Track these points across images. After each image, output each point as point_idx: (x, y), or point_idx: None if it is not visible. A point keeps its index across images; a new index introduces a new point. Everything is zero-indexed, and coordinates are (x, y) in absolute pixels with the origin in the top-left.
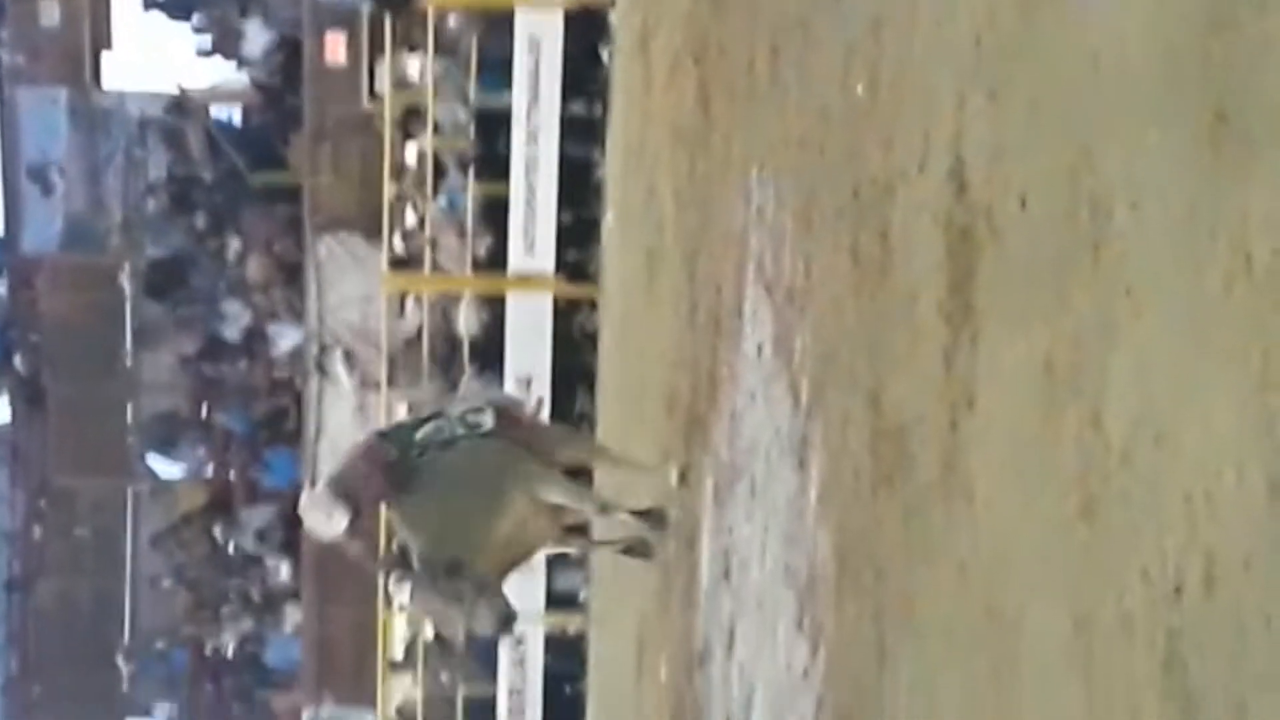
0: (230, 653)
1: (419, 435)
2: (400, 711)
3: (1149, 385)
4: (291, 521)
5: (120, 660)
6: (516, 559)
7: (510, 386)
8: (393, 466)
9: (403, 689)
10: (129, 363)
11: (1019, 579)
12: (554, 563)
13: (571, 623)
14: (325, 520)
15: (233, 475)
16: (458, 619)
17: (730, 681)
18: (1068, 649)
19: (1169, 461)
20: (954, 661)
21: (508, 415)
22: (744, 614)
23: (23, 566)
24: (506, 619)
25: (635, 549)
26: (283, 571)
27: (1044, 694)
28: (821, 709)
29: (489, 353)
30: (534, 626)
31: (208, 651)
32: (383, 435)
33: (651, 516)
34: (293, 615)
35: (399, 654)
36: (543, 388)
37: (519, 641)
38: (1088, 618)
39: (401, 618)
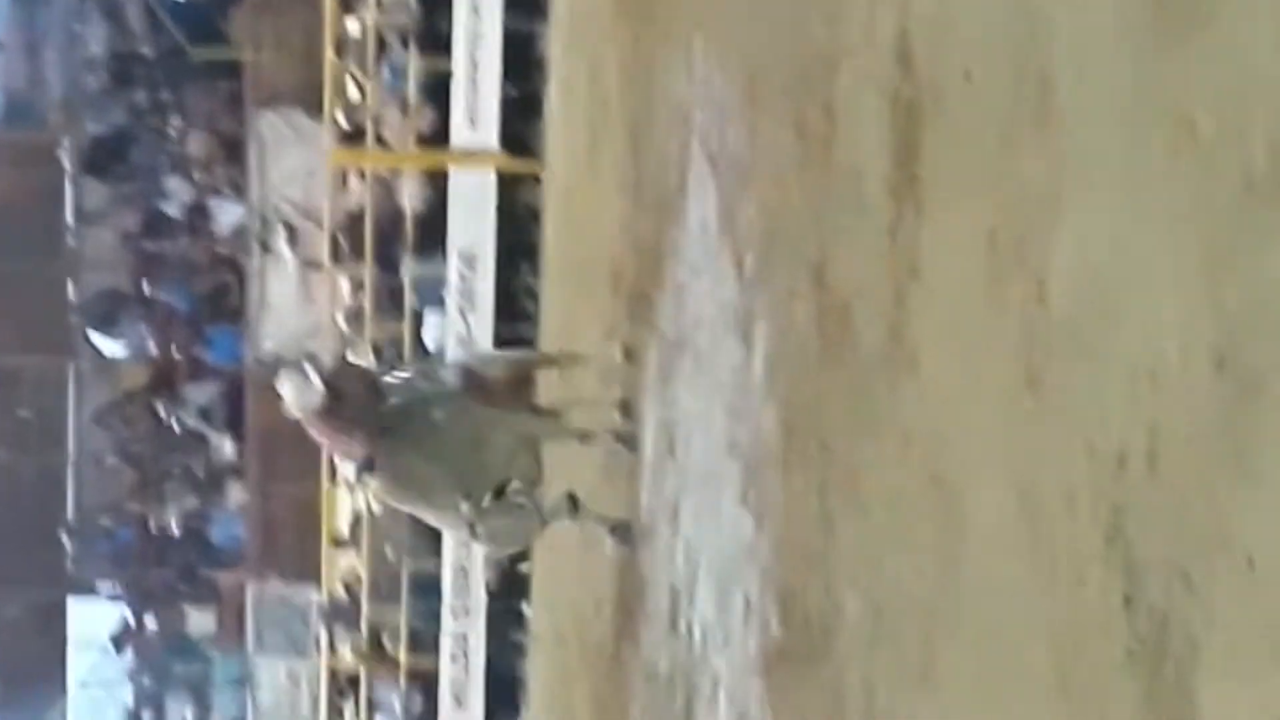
0: (175, 530)
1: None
2: (346, 587)
3: (1093, 258)
4: (235, 398)
5: (64, 537)
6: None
7: (454, 262)
8: (378, 391)
9: (347, 565)
10: (70, 240)
11: (964, 451)
12: None
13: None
14: (301, 389)
15: (175, 352)
16: (533, 525)
17: (675, 556)
18: (1012, 521)
19: (1113, 335)
20: (899, 533)
21: (473, 376)
22: (689, 489)
23: None
24: (569, 498)
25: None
26: (226, 448)
27: (988, 565)
28: (767, 581)
29: (432, 228)
30: None
31: (152, 529)
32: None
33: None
34: (237, 492)
35: (344, 530)
36: (486, 263)
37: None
38: (1031, 490)
39: (345, 494)
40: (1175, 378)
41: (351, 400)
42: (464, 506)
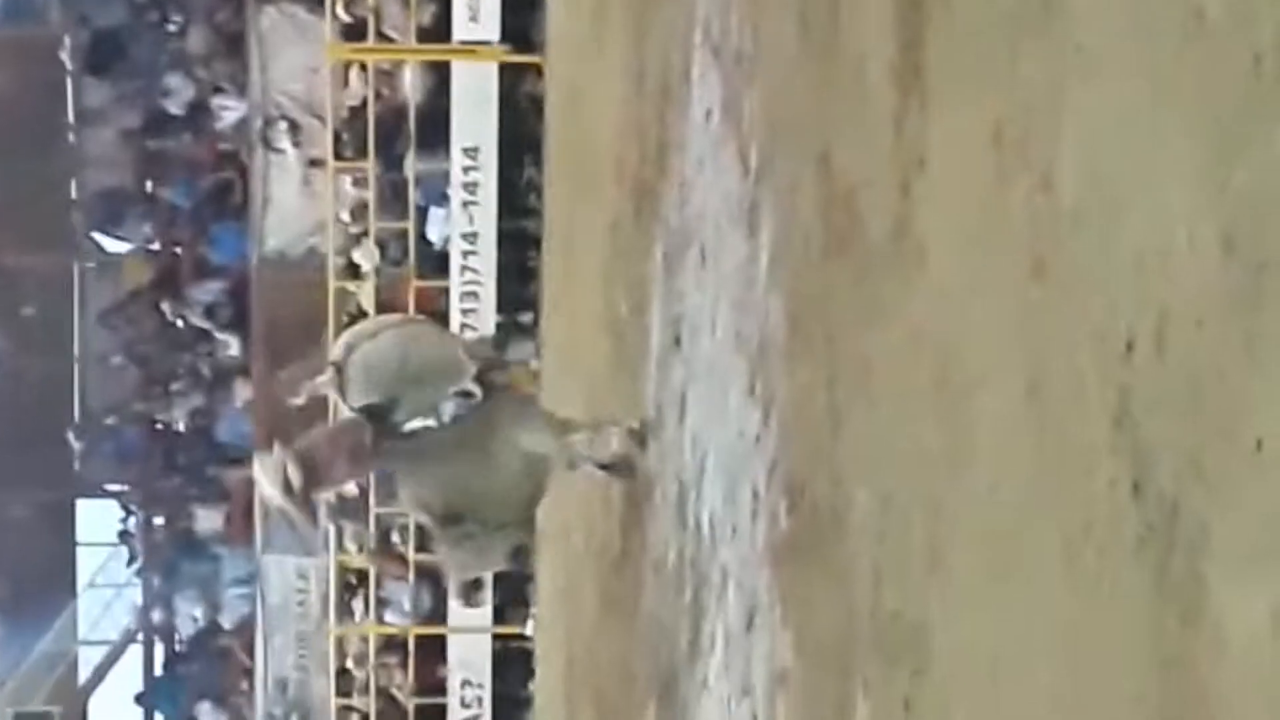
0: (181, 429)
1: (408, 426)
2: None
3: (1100, 146)
4: (240, 296)
5: (71, 438)
6: (532, 495)
7: (457, 157)
8: (370, 447)
9: None
10: (71, 138)
11: (971, 342)
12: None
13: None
14: (270, 483)
15: (179, 250)
16: (471, 561)
17: (683, 450)
18: (1020, 409)
19: (1121, 222)
20: (906, 425)
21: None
22: (695, 382)
23: None
24: (517, 550)
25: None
26: (232, 347)
27: (996, 454)
28: (774, 474)
29: (435, 123)
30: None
31: (159, 428)
32: (367, 415)
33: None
34: (243, 390)
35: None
36: (489, 158)
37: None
38: (1039, 378)
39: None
40: (1183, 262)
41: (329, 484)
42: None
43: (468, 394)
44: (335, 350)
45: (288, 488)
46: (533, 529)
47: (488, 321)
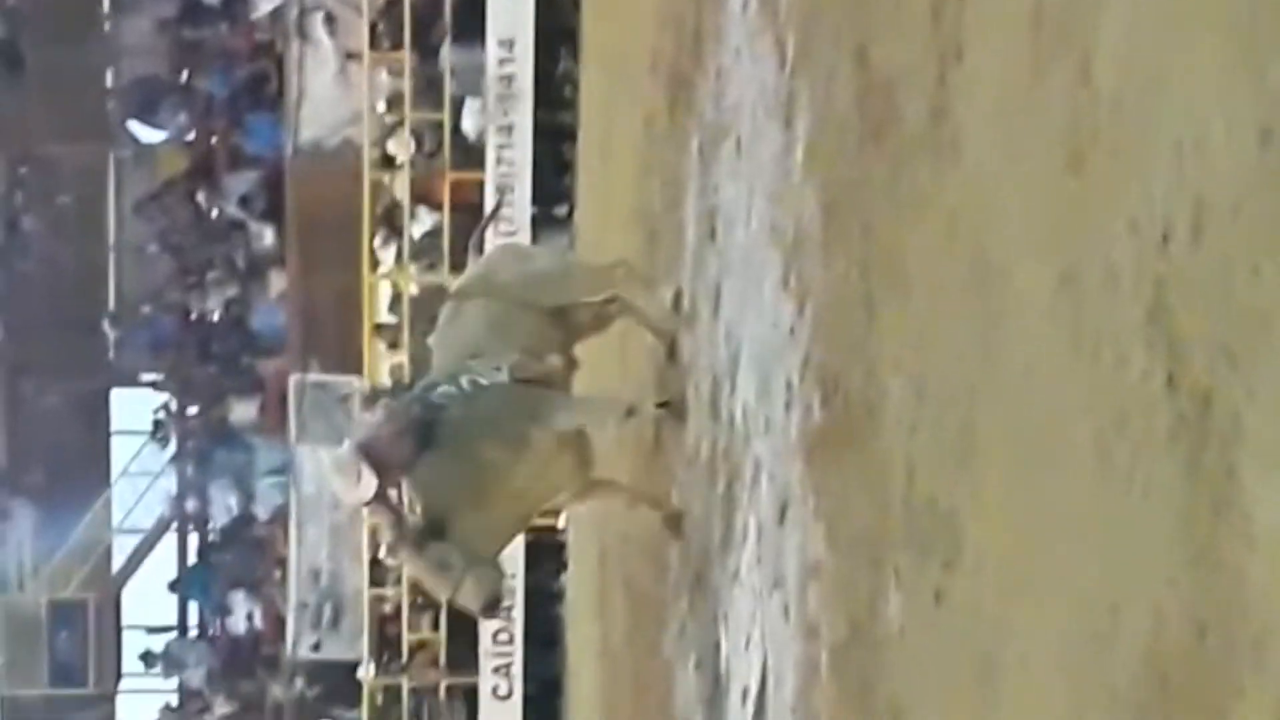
0: (216, 319)
1: (435, 394)
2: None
3: (1139, 34)
4: (274, 187)
5: (106, 327)
6: (524, 514)
7: (492, 50)
8: (417, 424)
9: (389, 353)
10: (107, 27)
11: (1006, 233)
12: (539, 224)
13: None
14: (352, 485)
15: (215, 140)
16: (443, 588)
17: (717, 342)
18: (1054, 300)
19: (1158, 111)
20: (941, 316)
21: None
22: (730, 274)
23: (5, 236)
24: (493, 600)
25: (666, 517)
26: (267, 237)
27: (1030, 346)
28: (808, 365)
29: (471, 15)
30: None
31: (193, 318)
32: (397, 396)
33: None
34: (278, 281)
35: (385, 316)
36: (525, 49)
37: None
38: (1074, 270)
39: (386, 281)
40: (1220, 150)
41: (400, 467)
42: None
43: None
44: None
45: (363, 485)
46: (501, 575)
47: (523, 215)
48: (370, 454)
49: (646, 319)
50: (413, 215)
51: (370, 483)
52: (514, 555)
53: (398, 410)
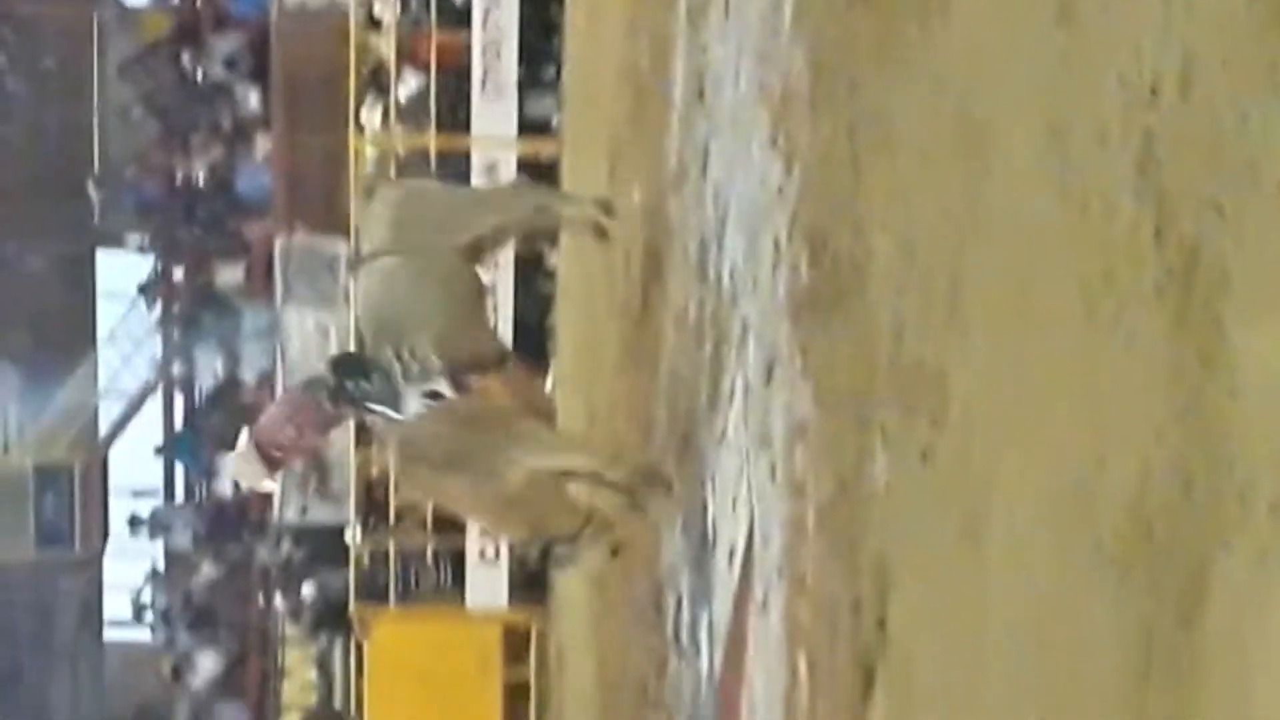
0: (201, 181)
1: (365, 386)
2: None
3: None
4: (260, 49)
5: (91, 190)
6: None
7: None
8: (329, 407)
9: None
10: None
11: (994, 90)
12: (526, 86)
13: (544, 148)
14: (254, 476)
15: (199, 1)
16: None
17: (705, 202)
18: (1042, 156)
19: None
20: (928, 175)
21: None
22: (718, 134)
23: None
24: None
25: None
26: (252, 99)
27: (1018, 202)
28: (795, 225)
29: None
30: (507, 153)
31: (178, 180)
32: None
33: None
34: (263, 143)
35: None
36: None
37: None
38: (1063, 124)
39: (371, 145)
40: (1210, 5)
41: (302, 452)
42: None
43: (436, 395)
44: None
45: (264, 476)
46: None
47: (509, 78)
48: (266, 446)
49: (571, 222)
50: (399, 76)
51: (271, 471)
52: None
53: (301, 403)
